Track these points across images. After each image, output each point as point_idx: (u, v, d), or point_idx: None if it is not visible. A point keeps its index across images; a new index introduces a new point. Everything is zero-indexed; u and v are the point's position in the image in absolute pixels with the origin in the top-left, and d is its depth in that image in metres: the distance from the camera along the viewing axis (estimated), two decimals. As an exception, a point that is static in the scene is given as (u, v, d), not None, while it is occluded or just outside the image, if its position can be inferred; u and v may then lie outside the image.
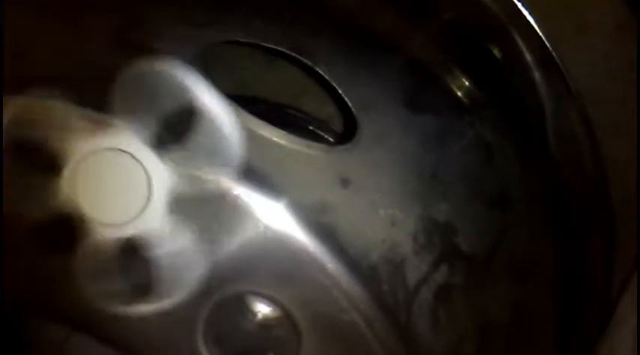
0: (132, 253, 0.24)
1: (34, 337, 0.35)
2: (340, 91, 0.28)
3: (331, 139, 0.43)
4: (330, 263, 0.25)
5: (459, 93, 0.34)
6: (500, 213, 0.31)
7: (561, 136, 0.38)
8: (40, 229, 0.24)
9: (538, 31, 0.39)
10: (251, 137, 0.26)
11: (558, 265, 0.33)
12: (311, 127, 0.48)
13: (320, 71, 0.28)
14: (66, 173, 0.24)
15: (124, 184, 0.24)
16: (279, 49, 0.28)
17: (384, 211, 0.27)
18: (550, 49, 0.39)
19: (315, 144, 0.26)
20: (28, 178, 0.25)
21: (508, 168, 0.33)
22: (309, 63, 0.28)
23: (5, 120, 0.24)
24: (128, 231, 0.23)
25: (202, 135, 0.25)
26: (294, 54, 0.28)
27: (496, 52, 0.39)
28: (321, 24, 0.30)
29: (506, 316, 0.30)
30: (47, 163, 0.24)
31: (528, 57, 0.39)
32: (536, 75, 0.39)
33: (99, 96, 0.25)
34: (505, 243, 0.30)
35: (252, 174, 0.25)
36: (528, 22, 0.39)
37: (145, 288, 0.25)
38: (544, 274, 0.32)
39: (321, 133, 0.47)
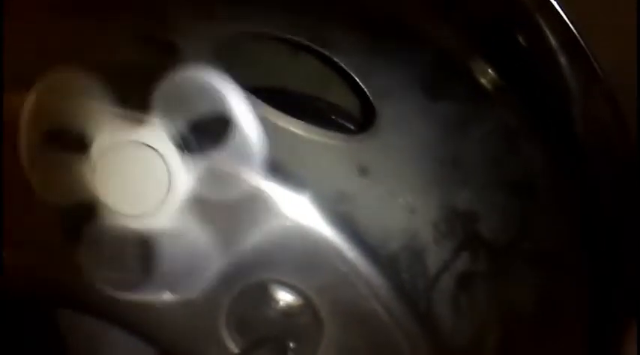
0: (150, 243, 0.24)
1: (69, 332, 0.36)
2: (358, 80, 0.28)
3: (355, 128, 0.43)
4: (348, 250, 0.25)
5: (482, 80, 0.34)
6: (524, 200, 0.31)
7: (589, 119, 0.38)
8: (61, 213, 0.25)
9: (562, 14, 0.38)
10: (268, 127, 0.26)
11: (588, 256, 0.32)
12: (335, 117, 0.48)
13: (338, 61, 0.28)
14: (90, 160, 0.25)
15: (145, 177, 0.24)
16: (298, 40, 0.28)
17: (403, 199, 0.27)
18: (575, 31, 0.38)
19: (332, 134, 0.26)
20: (53, 160, 0.26)
21: (533, 155, 0.32)
22: (327, 53, 0.28)
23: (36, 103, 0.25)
24: (146, 222, 0.24)
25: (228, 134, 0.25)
26: (312, 45, 0.28)
27: (520, 37, 0.38)
28: (340, 14, 0.30)
29: (530, 305, 0.29)
30: (73, 147, 0.25)
31: (553, 41, 0.39)
32: (562, 59, 0.39)
33: (127, 92, 0.25)
34: (529, 231, 0.30)
35: (270, 165, 0.25)
36: (552, 5, 0.38)
37: (165, 278, 0.25)
38: (572, 265, 0.32)
39: (346, 124, 0.47)
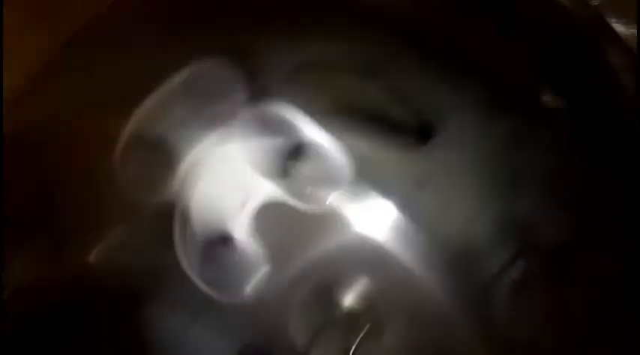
0: (231, 245, 0.28)
1: (153, 329, 0.39)
2: (415, 103, 0.30)
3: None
4: (407, 257, 0.27)
5: (539, 99, 0.35)
6: (579, 213, 0.32)
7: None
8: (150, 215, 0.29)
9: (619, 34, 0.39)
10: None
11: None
12: (404, 134, 0.50)
13: (395, 84, 0.30)
14: (179, 171, 0.28)
15: (227, 185, 0.28)
16: (355, 66, 0.31)
17: (459, 210, 0.29)
18: (635, 50, 0.39)
19: (393, 150, 0.29)
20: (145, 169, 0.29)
21: (589, 171, 0.33)
22: (384, 77, 0.30)
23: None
24: (228, 226, 0.27)
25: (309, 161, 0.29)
26: (369, 74, 0.31)
27: (580, 57, 0.39)
28: (395, 41, 0.32)
29: (586, 311, 0.30)
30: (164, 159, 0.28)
31: (615, 60, 0.40)
32: (624, 77, 0.40)
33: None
34: (583, 242, 0.31)
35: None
36: (611, 26, 0.39)
37: (244, 279, 0.28)
38: (630, 280, 0.32)
39: (412, 138, 0.49)
